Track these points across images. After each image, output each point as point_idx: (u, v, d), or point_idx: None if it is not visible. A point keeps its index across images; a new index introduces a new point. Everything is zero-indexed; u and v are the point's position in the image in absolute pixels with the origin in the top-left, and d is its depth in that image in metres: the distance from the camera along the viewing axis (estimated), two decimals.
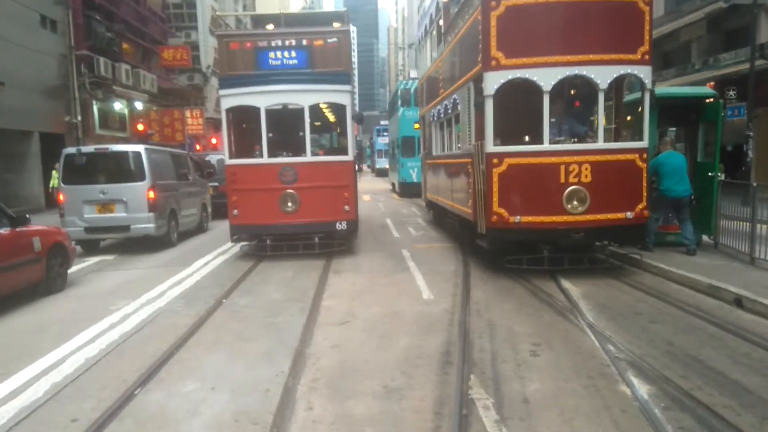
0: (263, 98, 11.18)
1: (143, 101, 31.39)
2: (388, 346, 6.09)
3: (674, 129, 11.75)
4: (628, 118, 9.91)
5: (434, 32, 15.29)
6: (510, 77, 8.71)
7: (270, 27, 12.26)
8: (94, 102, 27.61)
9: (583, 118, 10.29)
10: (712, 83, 18.43)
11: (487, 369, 5.35)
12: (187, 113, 33.77)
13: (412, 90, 26.69)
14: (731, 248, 9.66)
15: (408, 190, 26.84)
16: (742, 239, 9.28)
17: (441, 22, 14.02)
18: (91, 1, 27.34)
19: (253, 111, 11.31)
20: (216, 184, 18.21)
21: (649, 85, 8.92)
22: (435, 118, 14.07)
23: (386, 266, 10.50)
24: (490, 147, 8.87)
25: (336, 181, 11.34)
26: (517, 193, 8.82)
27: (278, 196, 11.19)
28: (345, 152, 11.92)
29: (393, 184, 31.94)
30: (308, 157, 11.44)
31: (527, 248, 9.25)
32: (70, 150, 13.28)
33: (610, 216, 8.72)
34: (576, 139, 9.66)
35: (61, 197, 12.79)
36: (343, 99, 11.57)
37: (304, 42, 11.41)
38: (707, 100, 10.48)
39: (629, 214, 8.77)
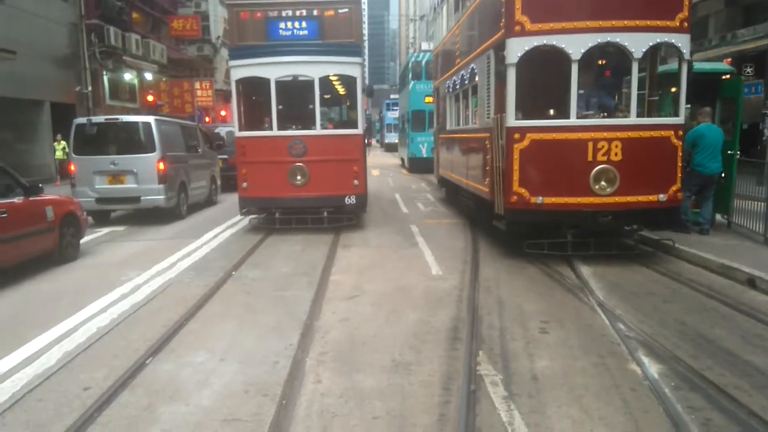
0: (273, 69, 11.09)
1: (153, 72, 31.28)
2: (397, 320, 6.10)
3: (689, 106, 11.48)
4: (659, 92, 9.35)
5: None
6: (535, 44, 8.05)
7: None
8: (104, 72, 27.55)
9: (613, 90, 9.71)
10: (729, 59, 18.14)
11: (496, 346, 5.35)
12: (197, 85, 33.63)
13: (423, 63, 26.29)
14: (745, 228, 9.58)
15: (418, 166, 26.57)
16: (756, 219, 9.20)
17: None
18: None
19: (263, 82, 11.23)
20: (225, 156, 18.19)
21: (686, 56, 8.21)
22: (450, 90, 13.38)
23: (395, 241, 10.50)
24: (512, 121, 8.24)
25: (345, 154, 11.29)
26: (539, 171, 8.19)
27: (287, 169, 11.16)
28: (355, 126, 11.85)
29: (402, 159, 31.75)
30: (318, 130, 11.38)
31: (549, 231, 8.57)
32: (81, 120, 13.26)
33: (641, 198, 8.08)
34: (605, 114, 8.92)
35: (72, 167, 12.80)
36: (354, 71, 11.45)
37: (315, 12, 11.29)
38: (724, 77, 10.29)
39: (662, 197, 8.13)
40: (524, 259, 8.63)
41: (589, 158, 8.02)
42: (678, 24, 8.10)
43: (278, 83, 11.15)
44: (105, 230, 12.28)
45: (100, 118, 14.00)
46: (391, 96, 57.02)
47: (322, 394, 4.42)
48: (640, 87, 8.56)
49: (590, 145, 8.01)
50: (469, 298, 6.84)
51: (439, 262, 8.68)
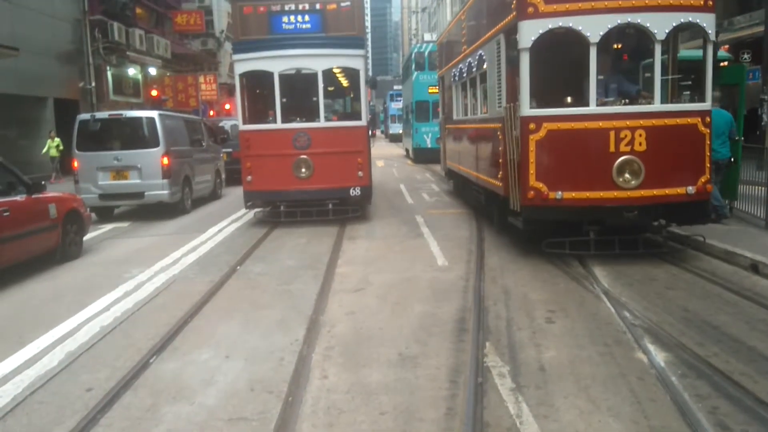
0: (277, 63, 11.08)
1: (157, 67, 31.25)
2: (403, 313, 6.06)
3: (688, 93, 11.29)
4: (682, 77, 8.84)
5: None
6: (550, 26, 7.48)
7: None
8: (108, 67, 27.52)
9: (632, 75, 9.08)
10: (727, 46, 18.03)
11: (503, 336, 5.31)
12: (201, 79, 33.62)
13: (426, 54, 26.37)
14: (746, 213, 9.49)
15: (422, 156, 26.61)
16: (757, 204, 9.09)
17: None
18: None
19: (267, 76, 11.21)
20: (230, 150, 18.17)
21: (712, 37, 7.73)
22: (456, 79, 12.75)
23: (400, 232, 10.46)
24: (526, 110, 7.65)
25: (349, 146, 11.26)
26: (557, 164, 7.60)
27: (292, 161, 11.13)
28: (358, 117, 11.89)
29: (407, 150, 31.73)
30: (322, 123, 11.36)
31: (569, 228, 7.93)
32: (84, 116, 13.26)
33: (668, 191, 7.49)
34: (626, 101, 8.21)
35: (75, 164, 12.78)
36: (357, 63, 11.44)
37: (318, 6, 11.31)
38: (722, 64, 10.14)
39: (690, 189, 7.52)
40: (526, 246, 8.53)
41: (611, 149, 7.43)
42: (703, 3, 7.55)
43: (282, 76, 11.14)
44: (108, 226, 12.26)
45: (103, 114, 14.01)
46: (395, 87, 56.90)
47: (328, 390, 4.37)
48: (663, 71, 8.08)
49: (612, 134, 7.42)
50: (474, 289, 6.79)
51: (445, 253, 8.63)
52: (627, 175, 7.43)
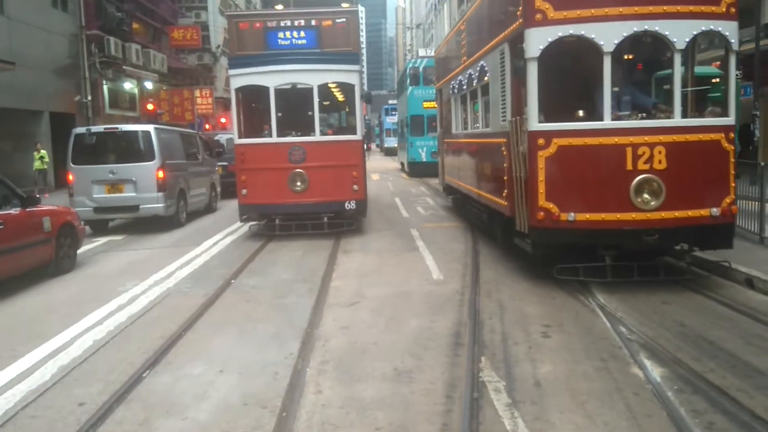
0: (272, 78, 11.13)
1: (153, 81, 31.29)
2: (398, 327, 6.04)
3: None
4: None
5: None
6: (560, 34, 6.96)
7: (279, 7, 12.33)
8: (104, 82, 27.54)
9: (646, 87, 8.55)
10: (718, 63, 18.19)
11: (498, 351, 5.29)
12: (197, 93, 33.66)
13: (420, 69, 26.72)
14: (740, 228, 9.49)
15: (417, 170, 26.76)
16: (751, 219, 9.12)
17: None
18: None
19: (263, 90, 11.28)
20: (225, 163, 18.17)
21: (735, 46, 7.30)
22: (455, 91, 12.25)
23: (395, 246, 10.45)
24: (534, 124, 7.11)
25: (345, 160, 11.28)
26: (570, 183, 7.05)
27: (287, 175, 11.14)
28: (354, 131, 11.94)
29: (402, 164, 31.82)
30: (317, 137, 11.39)
31: (582, 252, 7.32)
32: (80, 129, 13.30)
33: (690, 213, 6.90)
34: (643, 115, 7.53)
35: (70, 177, 12.75)
36: (352, 78, 11.52)
37: (313, 22, 11.43)
38: (714, 80, 10.17)
39: (714, 211, 6.94)
40: (524, 261, 8.48)
41: (629, 166, 6.85)
42: (725, 10, 7.04)
43: (277, 91, 11.19)
44: (103, 240, 12.21)
45: (99, 128, 14.05)
46: (390, 101, 57.21)
47: (322, 405, 4.34)
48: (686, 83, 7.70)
49: (629, 151, 6.84)
50: (470, 303, 6.78)
51: (440, 266, 8.62)
52: (646, 196, 6.84)
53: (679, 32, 6.95)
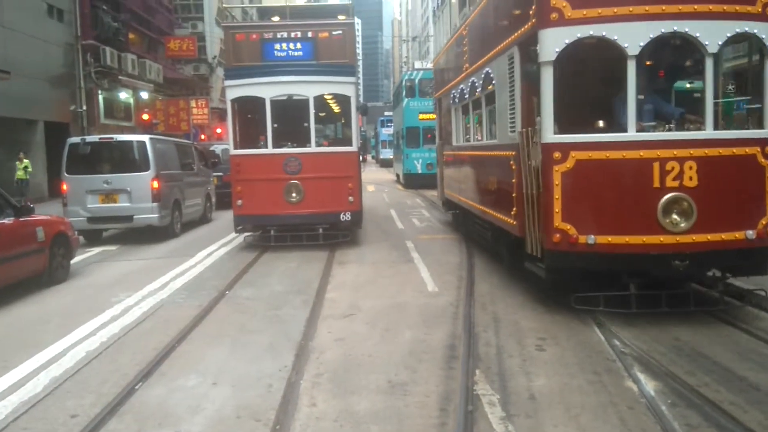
0: (268, 89, 11.16)
1: (149, 91, 31.33)
2: (393, 339, 6.03)
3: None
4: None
5: None
6: (579, 35, 6.29)
7: (276, 19, 12.33)
8: (99, 91, 27.56)
9: (668, 95, 7.76)
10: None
11: (493, 364, 5.28)
12: (193, 103, 33.73)
13: (416, 81, 26.88)
14: None
15: (412, 181, 26.86)
16: None
17: None
18: None
19: (259, 102, 11.30)
20: (220, 174, 18.17)
21: None
22: (456, 101, 11.54)
23: (390, 257, 10.44)
24: (549, 135, 6.41)
25: (340, 171, 11.30)
26: (589, 201, 6.39)
27: (282, 186, 11.14)
28: (349, 143, 11.99)
29: (397, 175, 31.92)
30: (312, 148, 11.42)
31: (604, 279, 6.54)
32: (75, 139, 13.28)
33: (724, 236, 6.20)
34: (671, 125, 6.77)
35: (64, 187, 12.72)
36: (348, 90, 11.55)
37: (310, 34, 11.45)
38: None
39: (750, 234, 6.25)
40: (519, 274, 8.45)
41: (656, 184, 6.17)
42: (761, 10, 6.38)
43: (273, 102, 11.22)
44: (96, 250, 12.17)
45: (94, 138, 14.04)
46: (386, 113, 57.38)
47: (317, 418, 4.32)
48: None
49: (656, 166, 6.16)
50: (465, 315, 6.77)
51: (435, 278, 8.61)
52: (675, 216, 6.16)
53: (711, 34, 6.26)
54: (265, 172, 11.20)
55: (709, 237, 6.18)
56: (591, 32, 6.29)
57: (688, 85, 7.77)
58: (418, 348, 5.73)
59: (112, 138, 13.62)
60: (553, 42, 6.36)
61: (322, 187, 11.18)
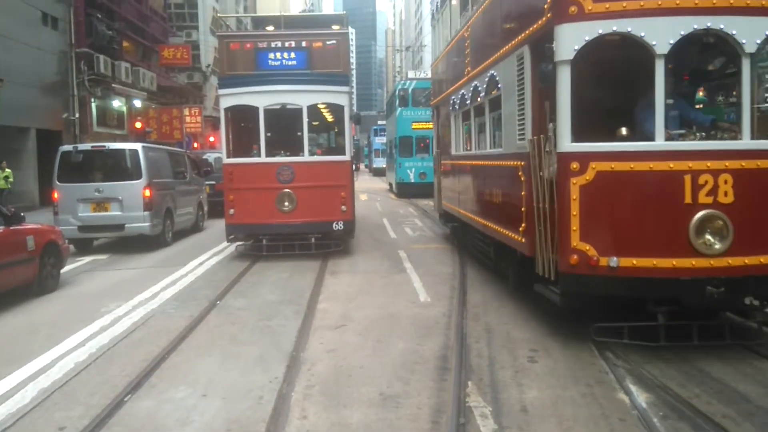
0: (262, 98, 11.17)
1: (142, 99, 31.28)
2: (385, 350, 5.99)
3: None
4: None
5: None
6: (600, 31, 5.65)
7: (270, 28, 12.36)
8: (92, 99, 27.50)
9: (691, 100, 7.22)
10: (702, 88, 18.46)
11: (485, 375, 5.26)
12: (186, 111, 33.71)
13: (410, 90, 27.04)
14: None
15: (405, 190, 26.94)
16: None
17: None
18: None
19: (252, 110, 11.31)
20: (213, 182, 18.15)
21: None
22: (456, 107, 10.90)
23: (383, 267, 10.42)
24: (567, 144, 5.75)
25: (333, 180, 11.29)
26: (611, 218, 5.72)
27: (275, 195, 11.12)
28: (342, 152, 12.05)
29: (390, 184, 31.97)
30: (306, 157, 11.43)
31: (627, 307, 5.92)
32: (67, 147, 13.25)
33: (763, 259, 5.52)
34: (703, 134, 6.04)
35: (55, 195, 12.66)
36: (341, 100, 11.59)
37: (304, 44, 11.51)
38: (697, 106, 10.12)
39: None
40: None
41: (687, 199, 5.50)
42: None
43: (267, 111, 11.22)
44: (87, 259, 12.09)
45: (86, 146, 14.00)
46: (379, 122, 57.61)
47: (308, 430, 4.29)
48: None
49: (687, 179, 5.49)
50: (457, 326, 6.74)
51: (427, 289, 8.59)
52: (709, 237, 5.47)
53: (748, 32, 5.62)
54: (258, 181, 11.19)
55: (746, 260, 5.51)
56: (614, 28, 5.66)
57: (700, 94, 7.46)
58: (411, 359, 5.70)
59: (104, 146, 13.58)
60: (571, 39, 5.72)
61: (314, 196, 11.16)
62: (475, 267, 10.02)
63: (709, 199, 5.48)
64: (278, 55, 11.47)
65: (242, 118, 12.59)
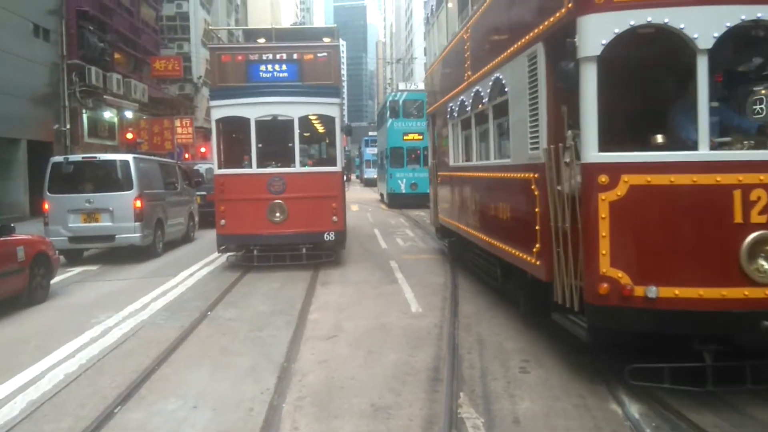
0: (253, 109, 11.21)
1: (133, 110, 31.21)
2: (376, 361, 5.98)
3: None
4: None
5: None
6: (632, 23, 4.89)
7: (261, 41, 12.39)
8: (83, 110, 27.41)
9: (739, 102, 5.89)
10: None
11: (477, 386, 5.25)
12: (177, 122, 33.62)
13: (400, 102, 27.29)
14: None
15: (396, 201, 27.02)
16: None
17: None
18: (85, 11, 27.20)
19: (243, 122, 11.35)
20: (204, 193, 18.12)
21: None
22: (455, 115, 10.16)
23: (374, 278, 10.42)
24: (593, 153, 5.01)
25: (324, 191, 11.31)
26: (649, 240, 4.91)
27: (266, 206, 11.13)
28: (333, 163, 12.09)
29: (381, 195, 32.03)
30: (297, 168, 11.45)
31: (665, 345, 5.11)
32: (58, 158, 13.19)
33: None
34: (750, 142, 5.17)
35: (46, 206, 12.60)
36: (332, 111, 11.65)
37: (295, 56, 11.58)
38: None
39: None
40: (500, 294, 8.44)
41: (737, 218, 4.73)
42: None
43: (258, 122, 11.27)
44: (77, 269, 12.02)
45: (77, 157, 13.95)
46: (370, 133, 57.80)
47: None
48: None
49: (737, 195, 4.72)
50: (449, 337, 6.73)
51: (419, 299, 8.59)
52: (763, 262, 4.70)
53: None
54: (249, 191, 11.20)
55: None
56: (649, 19, 4.90)
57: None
58: (402, 370, 5.69)
59: (95, 157, 13.57)
60: (597, 31, 4.98)
61: (306, 207, 11.18)
62: (467, 278, 10.02)
63: (763, 218, 4.72)
64: (269, 67, 11.52)
65: (233, 130, 12.60)
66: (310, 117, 12.18)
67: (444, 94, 11.38)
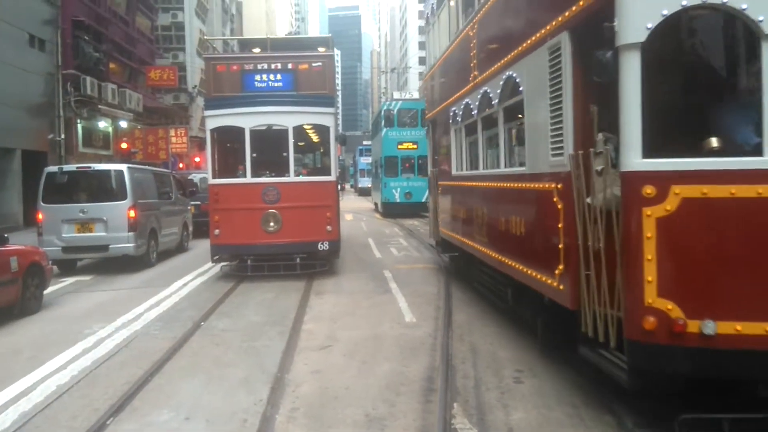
0: (248, 119, 11.25)
1: (128, 120, 31.21)
2: (370, 371, 5.97)
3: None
4: None
5: None
6: (684, 3, 4.07)
7: (256, 50, 12.41)
8: (78, 120, 27.39)
9: None
10: None
11: (471, 396, 5.25)
12: (172, 132, 33.64)
13: (395, 111, 27.33)
14: None
15: (391, 210, 27.06)
16: None
17: None
18: (81, 21, 27.24)
19: (238, 131, 11.37)
20: (198, 202, 18.11)
21: None
22: (459, 119, 9.34)
23: (368, 288, 10.41)
24: (636, 160, 4.18)
25: (318, 201, 11.34)
26: (705, 265, 4.10)
27: (260, 215, 11.14)
28: (328, 173, 12.08)
29: (375, 204, 32.07)
30: (291, 177, 11.47)
31: (717, 389, 4.42)
32: (52, 168, 13.18)
33: None
34: None
35: (39, 216, 12.57)
36: (327, 121, 11.68)
37: (290, 66, 11.59)
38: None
39: None
40: (493, 303, 8.38)
41: None
42: None
43: (253, 132, 11.31)
44: (70, 280, 11.98)
45: (71, 167, 13.93)
46: (365, 142, 57.91)
47: None
48: None
49: None
50: (442, 346, 6.73)
51: (413, 309, 8.59)
52: None
53: None
54: (243, 201, 11.20)
55: None
56: None
57: None
58: (396, 380, 5.68)
59: (89, 167, 13.54)
60: (642, 14, 4.14)
61: (300, 217, 11.19)
62: (460, 287, 10.02)
63: None
64: (264, 76, 11.54)
65: (228, 139, 12.62)
66: (305, 126, 12.21)
67: (446, 98, 10.54)
